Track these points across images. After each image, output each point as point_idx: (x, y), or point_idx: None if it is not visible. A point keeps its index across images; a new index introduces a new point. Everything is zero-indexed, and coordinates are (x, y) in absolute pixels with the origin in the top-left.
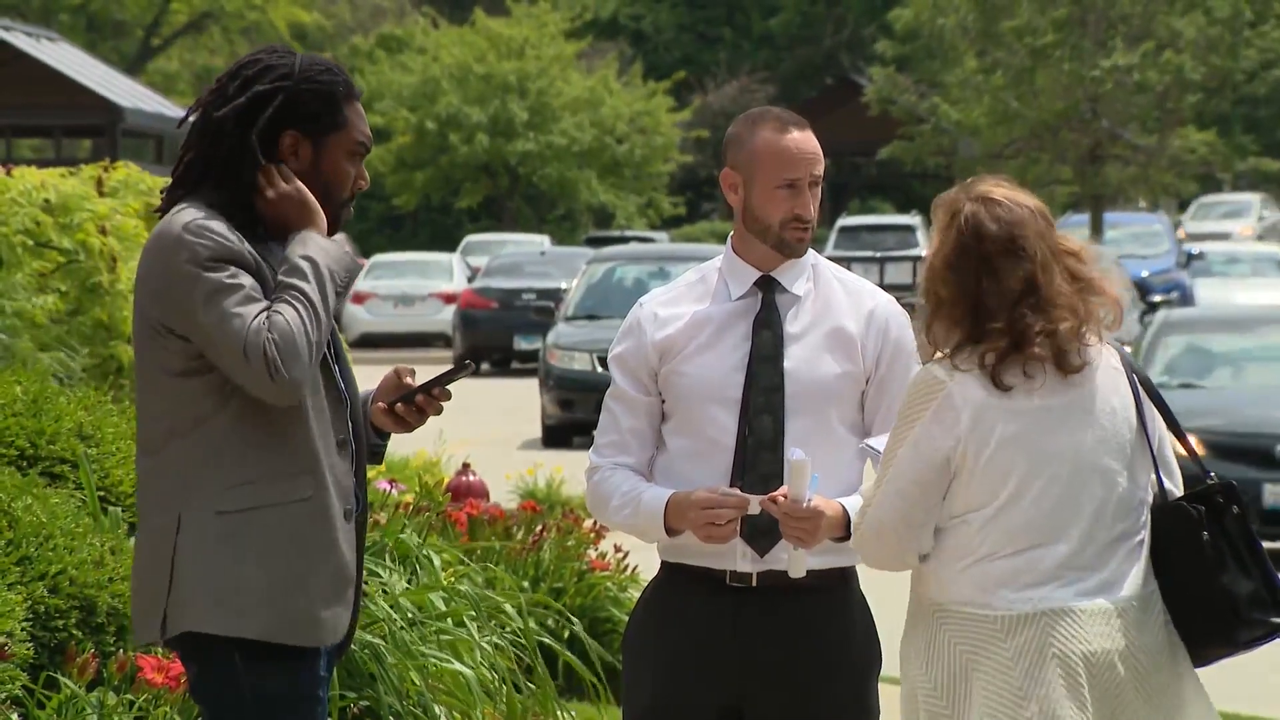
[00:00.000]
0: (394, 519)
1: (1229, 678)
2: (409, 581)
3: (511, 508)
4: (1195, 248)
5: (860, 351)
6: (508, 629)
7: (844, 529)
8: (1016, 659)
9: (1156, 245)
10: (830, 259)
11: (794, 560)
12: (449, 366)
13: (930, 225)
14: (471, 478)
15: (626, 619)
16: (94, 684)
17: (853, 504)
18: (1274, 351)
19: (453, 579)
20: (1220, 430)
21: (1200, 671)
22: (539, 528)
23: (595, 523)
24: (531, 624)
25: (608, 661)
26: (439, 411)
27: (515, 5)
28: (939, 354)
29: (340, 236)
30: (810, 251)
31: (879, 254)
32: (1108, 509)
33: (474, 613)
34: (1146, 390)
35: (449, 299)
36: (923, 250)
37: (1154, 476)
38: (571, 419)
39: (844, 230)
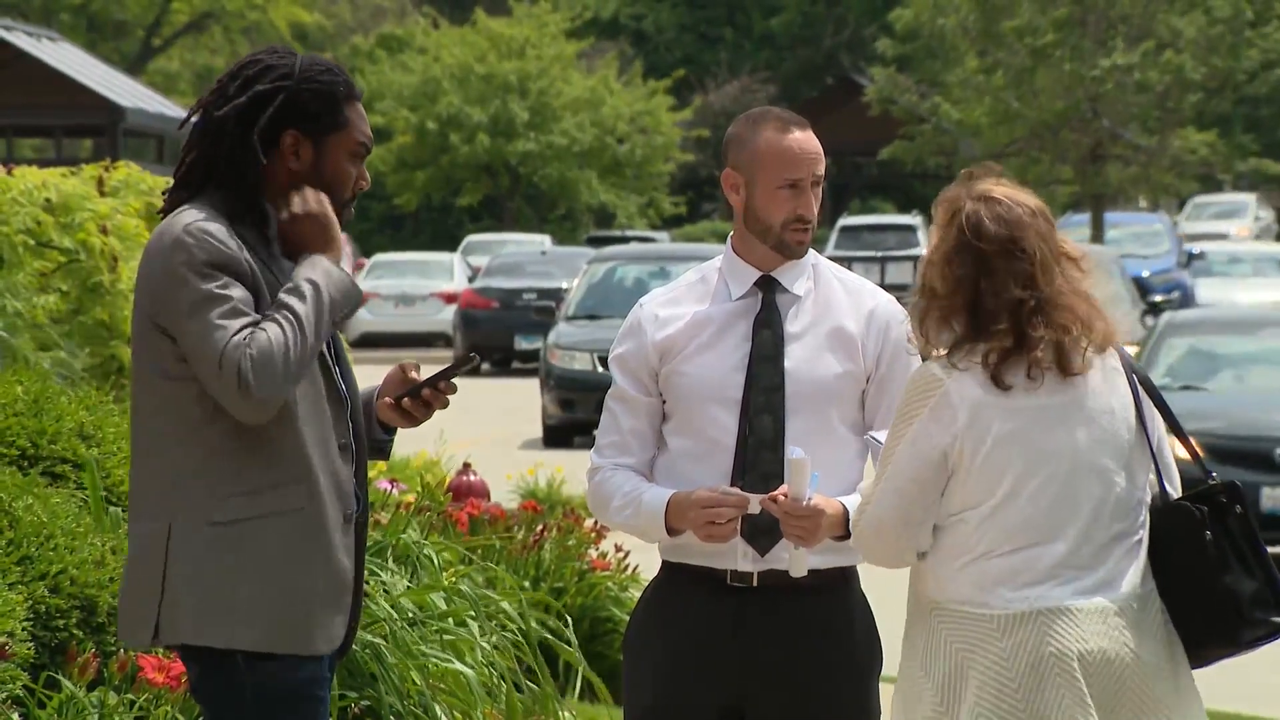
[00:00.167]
0: (395, 519)
1: (1229, 678)
2: (410, 581)
3: (512, 507)
4: (1196, 247)
5: (860, 351)
6: (508, 629)
7: (845, 527)
8: (1013, 657)
9: (1157, 245)
10: (831, 259)
11: (795, 559)
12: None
13: (931, 224)
14: (472, 477)
15: (627, 619)
16: (95, 684)
17: (853, 502)
18: (1277, 355)
19: (453, 579)
20: (1219, 433)
21: (1201, 672)
22: (540, 527)
23: (596, 522)
24: (532, 624)
25: (608, 661)
26: (445, 405)
27: (516, 5)
28: (937, 352)
29: (347, 266)
30: (810, 251)
31: (880, 254)
32: (1105, 508)
33: (475, 612)
34: (1147, 390)
35: (450, 299)
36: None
37: (1153, 477)
38: (572, 419)
39: (845, 230)
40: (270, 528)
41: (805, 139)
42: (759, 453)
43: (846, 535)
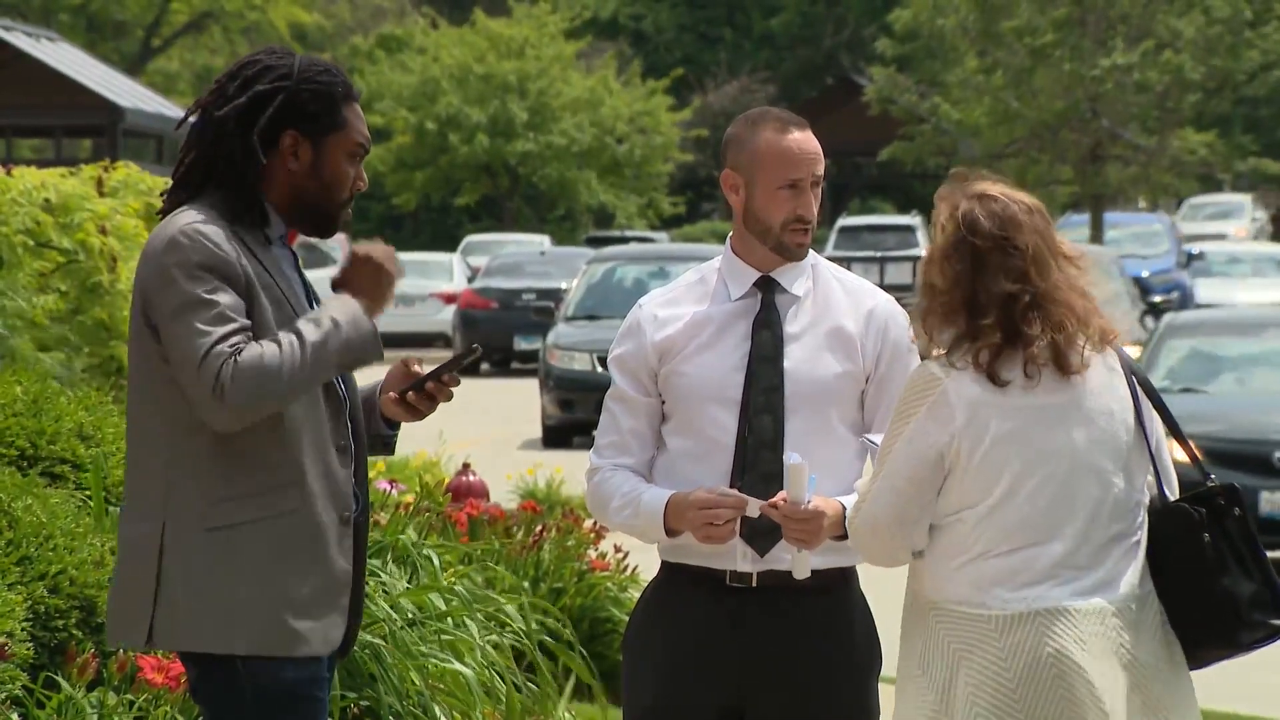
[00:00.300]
0: (394, 519)
1: (1229, 678)
2: (409, 582)
3: (511, 508)
4: (1195, 247)
5: (860, 351)
6: (508, 629)
7: (844, 528)
8: (1010, 658)
9: (1157, 245)
10: (830, 259)
11: (798, 561)
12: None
13: (931, 223)
14: (471, 478)
15: (627, 619)
16: (94, 684)
17: (851, 501)
18: (1278, 357)
19: (453, 579)
20: (1219, 436)
21: (1201, 672)
22: (539, 528)
23: (595, 523)
24: (531, 624)
25: (608, 661)
26: (449, 398)
27: (515, 5)
28: (936, 351)
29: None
30: (810, 252)
31: (879, 254)
32: (1103, 509)
33: (474, 613)
34: (1146, 392)
35: (449, 299)
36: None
37: (1152, 478)
38: (571, 419)
39: (844, 230)
40: (263, 531)
41: (804, 139)
42: (758, 453)
43: (846, 535)
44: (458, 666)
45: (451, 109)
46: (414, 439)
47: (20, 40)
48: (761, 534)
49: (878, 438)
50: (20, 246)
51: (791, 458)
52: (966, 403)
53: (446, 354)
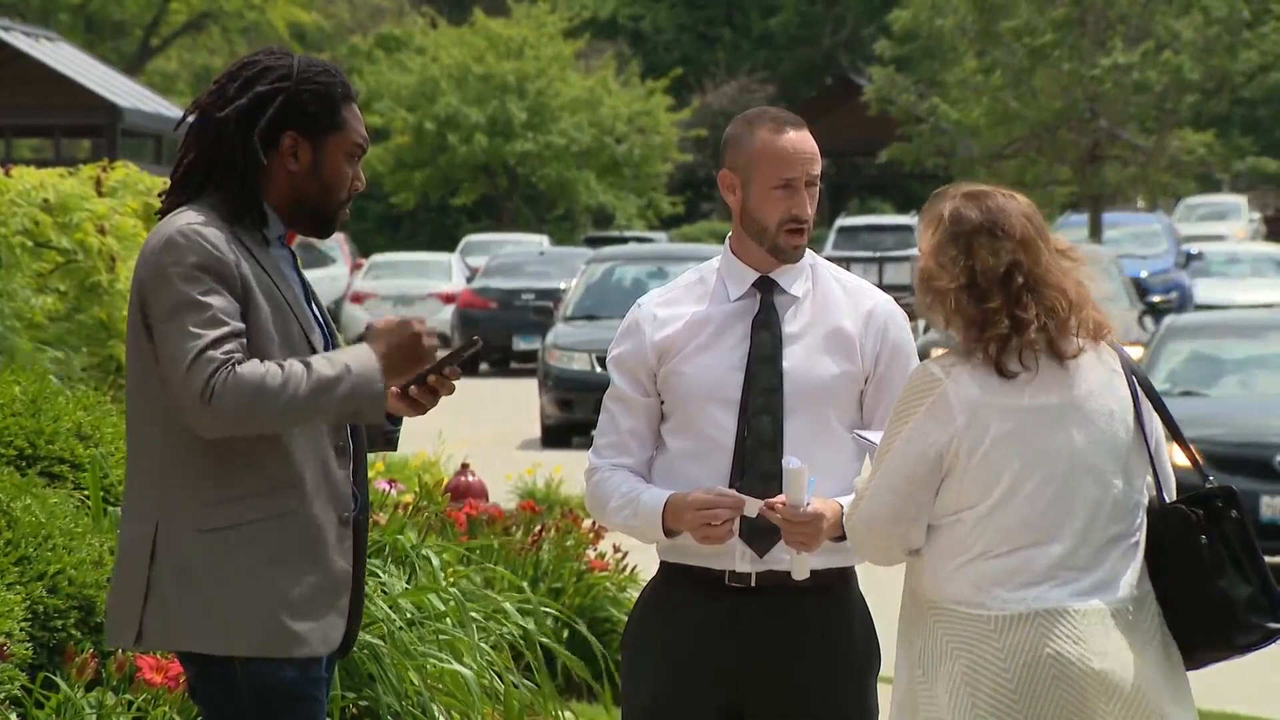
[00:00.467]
0: (393, 519)
1: (1229, 678)
2: (408, 582)
3: (510, 508)
4: (1194, 248)
5: (859, 351)
6: (506, 629)
7: (843, 528)
8: (1009, 658)
9: (1155, 245)
10: (829, 259)
11: (798, 562)
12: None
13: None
14: (470, 478)
15: (625, 619)
16: (93, 684)
17: (850, 502)
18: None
19: (452, 579)
20: (1219, 440)
21: (1201, 671)
22: (538, 528)
23: (594, 523)
24: (530, 624)
25: (607, 661)
26: (451, 391)
27: (514, 5)
28: (938, 351)
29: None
30: (809, 252)
31: (878, 254)
32: (1103, 510)
33: (473, 613)
34: (1146, 393)
35: (448, 299)
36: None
37: (1151, 479)
38: (570, 419)
39: (843, 230)
40: (259, 533)
41: (800, 139)
42: (757, 453)
43: (845, 536)
44: (457, 667)
45: (450, 109)
46: (413, 439)
47: (19, 40)
48: (761, 534)
49: (869, 433)
50: (19, 247)
51: (790, 462)
52: (966, 404)
53: (445, 353)
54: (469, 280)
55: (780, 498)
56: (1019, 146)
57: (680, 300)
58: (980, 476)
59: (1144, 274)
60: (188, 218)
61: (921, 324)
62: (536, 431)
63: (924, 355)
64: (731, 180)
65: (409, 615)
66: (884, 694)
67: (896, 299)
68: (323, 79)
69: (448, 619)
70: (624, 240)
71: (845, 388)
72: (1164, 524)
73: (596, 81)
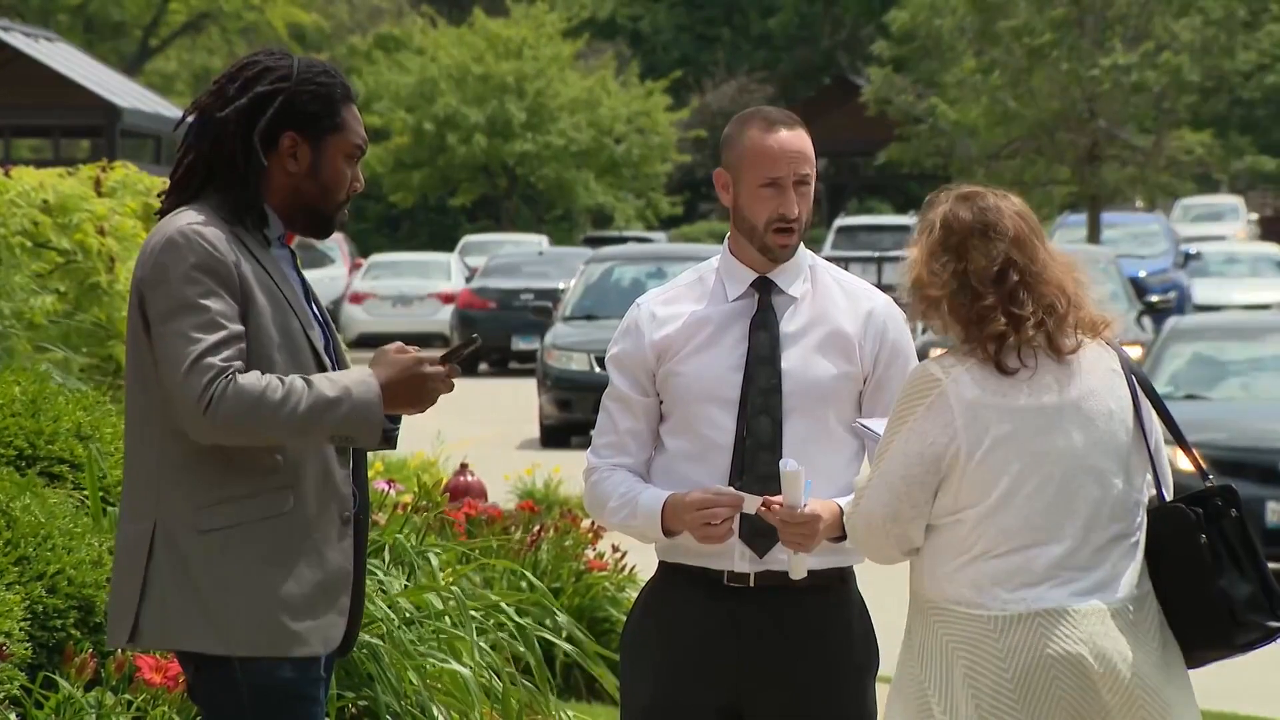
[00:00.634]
0: (392, 519)
1: (1229, 678)
2: (407, 581)
3: (509, 508)
4: (1193, 248)
5: (858, 352)
6: (505, 629)
7: (842, 528)
8: (1010, 658)
9: (1154, 245)
10: (828, 259)
11: (795, 562)
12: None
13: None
14: (469, 478)
15: (624, 619)
16: (92, 684)
17: (849, 502)
18: None
19: (451, 579)
20: (1222, 444)
21: (1201, 671)
22: (537, 528)
23: (593, 523)
24: (529, 624)
25: (605, 661)
26: (450, 388)
27: (514, 5)
28: (937, 351)
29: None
30: (808, 252)
31: (876, 254)
32: (1103, 510)
33: (472, 612)
34: (1146, 393)
35: (447, 299)
36: None
37: (1151, 478)
38: (569, 419)
39: (841, 230)
40: (258, 533)
41: (789, 138)
42: (756, 454)
43: (844, 536)
44: (456, 666)
45: (449, 109)
46: (412, 439)
47: (18, 40)
48: (760, 534)
49: (871, 422)
50: (18, 247)
51: (787, 464)
52: (966, 404)
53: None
54: (468, 280)
55: (777, 498)
56: (1017, 147)
57: (679, 300)
58: (980, 477)
59: (1142, 274)
60: (187, 218)
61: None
62: (535, 431)
63: (923, 355)
64: (725, 179)
65: (408, 615)
66: (884, 694)
67: (895, 299)
68: (322, 80)
69: (446, 618)
70: (623, 240)
71: (844, 388)
72: (1164, 523)
73: (595, 82)
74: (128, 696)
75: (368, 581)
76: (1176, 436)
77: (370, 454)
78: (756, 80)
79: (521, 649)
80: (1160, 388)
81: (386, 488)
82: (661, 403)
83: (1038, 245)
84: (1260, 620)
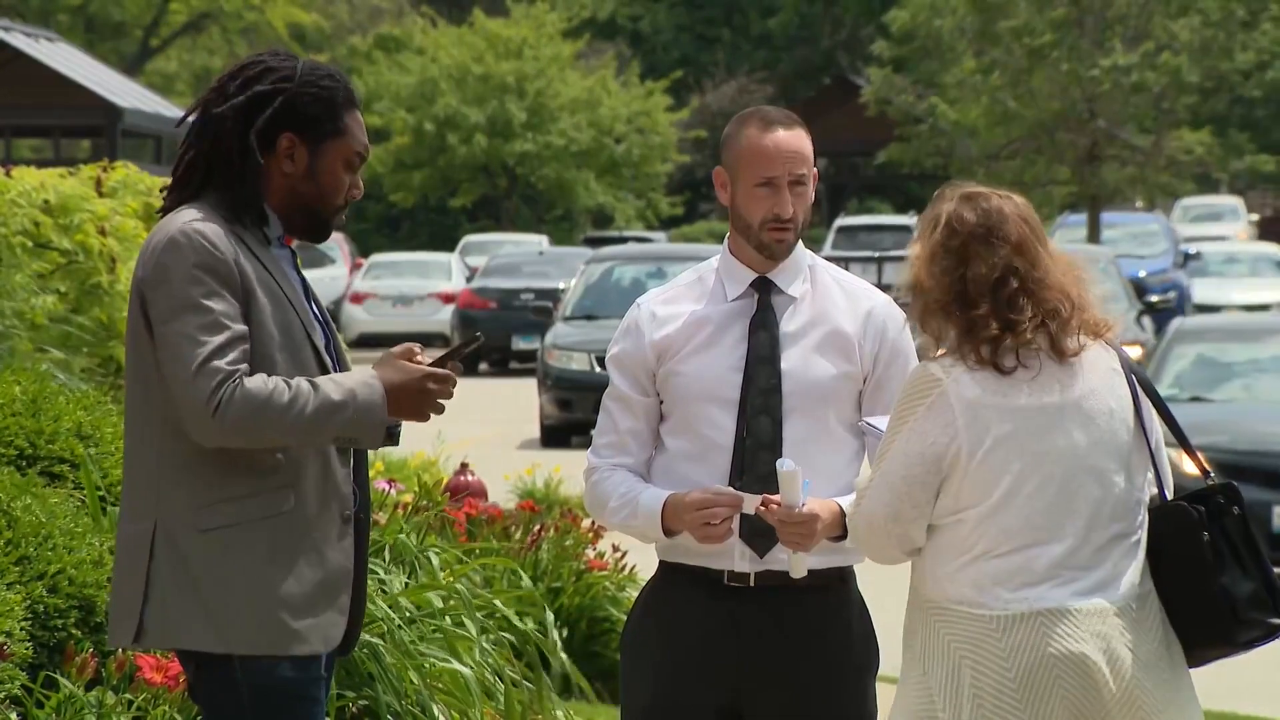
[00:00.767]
0: (393, 519)
1: (1229, 677)
2: (408, 580)
3: (510, 507)
4: (1193, 247)
5: (858, 352)
6: (506, 628)
7: (841, 528)
8: (1012, 658)
9: (1154, 245)
10: (828, 259)
11: (795, 561)
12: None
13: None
14: (470, 477)
15: (624, 618)
16: (93, 683)
17: (849, 502)
18: None
19: (451, 578)
20: (1227, 448)
21: (1200, 671)
22: (537, 527)
23: (593, 522)
24: (529, 623)
25: (605, 661)
26: (450, 396)
27: (514, 5)
28: (938, 351)
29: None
30: (807, 252)
31: (877, 254)
32: (1104, 509)
33: (472, 612)
34: (1146, 392)
35: (448, 299)
36: None
37: (1152, 476)
38: (570, 419)
39: (842, 230)
40: (258, 532)
41: (785, 138)
42: (756, 454)
43: (843, 535)
44: (456, 665)
45: (450, 109)
46: (412, 439)
47: (19, 40)
48: (761, 534)
49: (877, 420)
50: (19, 247)
51: (784, 464)
52: (966, 404)
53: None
54: (468, 280)
55: (776, 498)
56: (1017, 147)
57: (679, 300)
58: (981, 477)
59: (1142, 274)
60: (188, 216)
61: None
62: (536, 431)
63: (923, 355)
64: (723, 178)
65: (408, 614)
66: (884, 693)
67: (895, 299)
68: (326, 83)
69: (447, 618)
70: (623, 240)
71: (844, 388)
72: (1165, 521)
73: (596, 82)
74: (128, 696)
75: (368, 581)
76: (1178, 437)
77: (371, 452)
78: (756, 80)
79: (522, 648)
80: (1165, 389)
81: (387, 487)
82: (662, 402)
83: (1040, 251)
84: (1262, 618)
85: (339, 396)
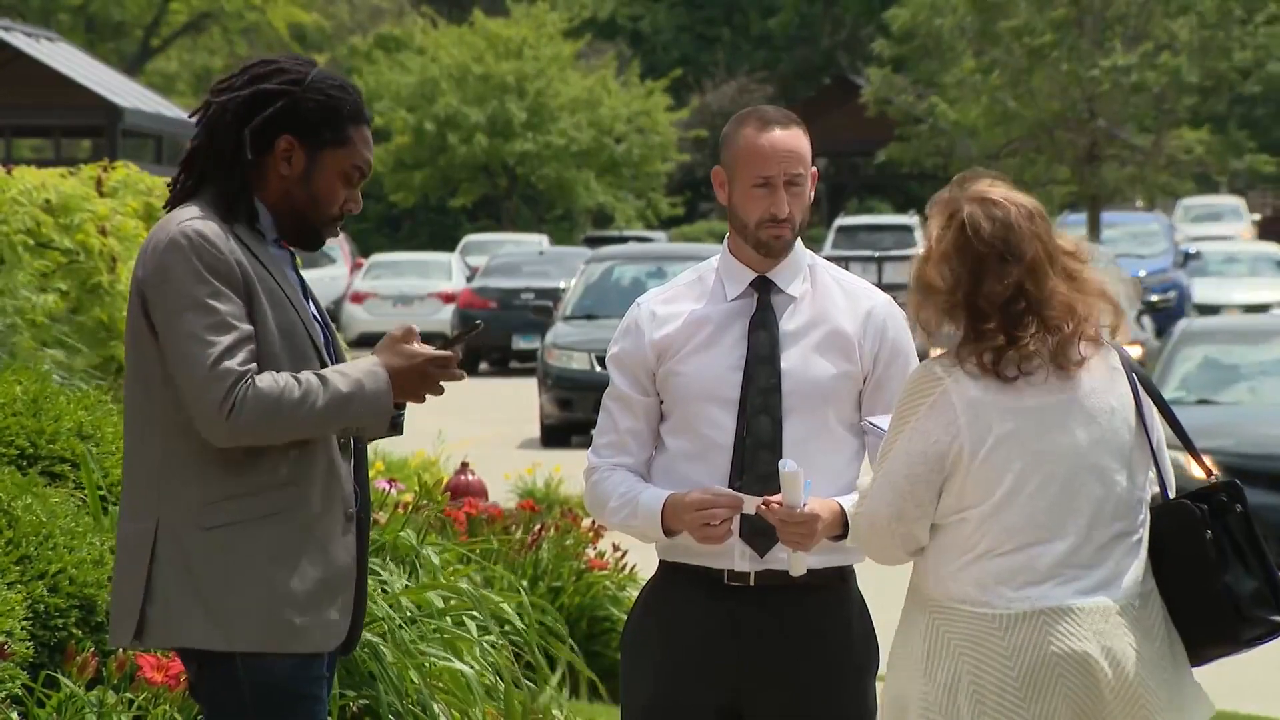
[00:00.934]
0: (393, 518)
1: (1230, 677)
2: (408, 580)
3: (510, 507)
4: (1193, 247)
5: (857, 351)
6: (506, 628)
7: (842, 528)
8: (1015, 657)
9: (1154, 245)
10: (828, 258)
11: (795, 559)
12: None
13: (925, 223)
14: (470, 477)
15: (625, 618)
16: (93, 683)
17: (850, 502)
18: None
19: (451, 578)
20: (1234, 451)
21: (1203, 669)
22: (537, 527)
23: (593, 522)
24: (530, 623)
25: (606, 660)
26: (457, 378)
27: (514, 5)
28: (934, 351)
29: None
30: (807, 252)
31: (877, 253)
32: (1106, 507)
33: (473, 612)
34: (1147, 390)
35: (448, 298)
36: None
37: (1154, 475)
38: (570, 418)
39: (842, 230)
40: (261, 530)
41: (782, 138)
42: (756, 453)
43: (843, 535)
44: (457, 665)
45: (450, 109)
46: (413, 439)
47: (19, 40)
48: (761, 533)
49: (879, 419)
50: (20, 246)
51: (786, 465)
52: (968, 403)
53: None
54: (469, 280)
55: (777, 497)
56: (1017, 147)
57: (679, 299)
58: (984, 476)
59: (1142, 273)
60: (187, 215)
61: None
62: (536, 431)
63: (923, 355)
64: (721, 177)
65: (409, 614)
66: (883, 693)
67: (895, 299)
68: (334, 92)
69: (447, 617)
70: (623, 240)
71: (844, 388)
72: (1168, 519)
73: (596, 81)
74: (129, 695)
75: (369, 580)
76: (1181, 437)
77: (371, 453)
78: (756, 80)
79: (523, 648)
80: (1172, 392)
81: (388, 487)
82: (662, 402)
83: (1048, 271)
84: (1265, 616)
85: (347, 388)
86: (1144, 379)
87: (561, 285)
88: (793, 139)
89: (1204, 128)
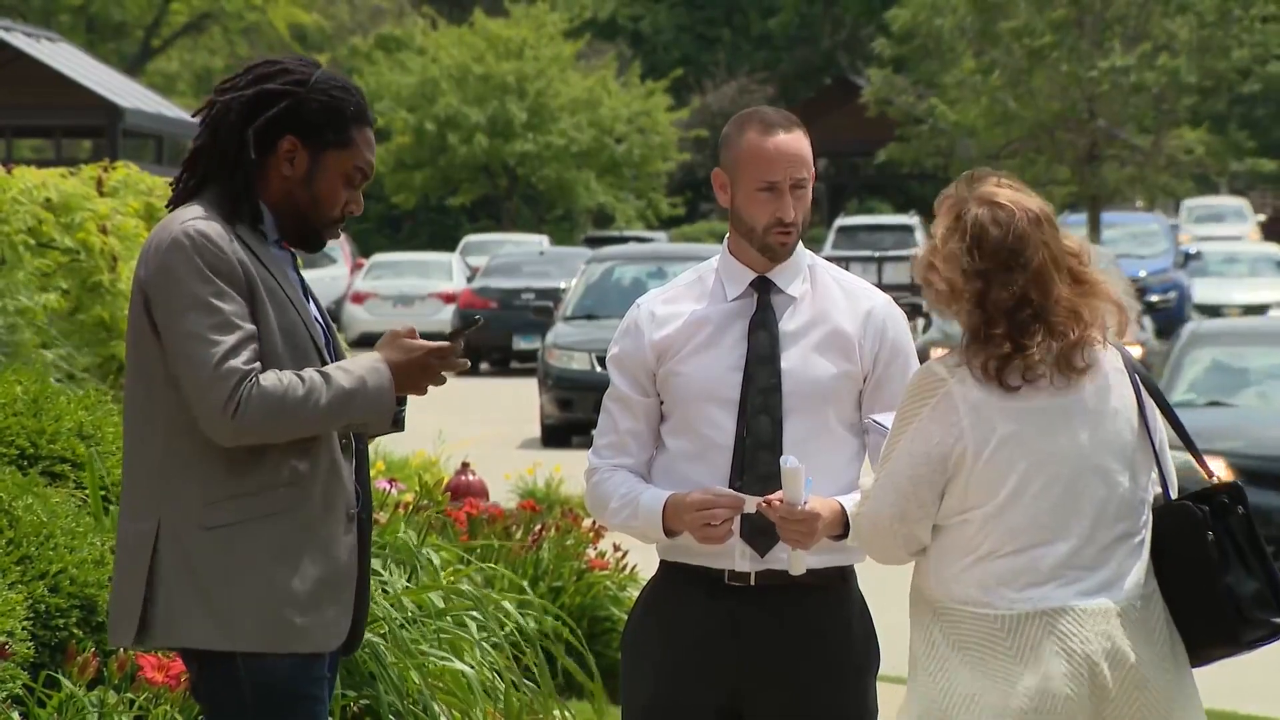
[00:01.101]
0: (393, 518)
1: (1230, 677)
2: (409, 580)
3: (511, 507)
4: (1193, 247)
5: (857, 351)
6: (507, 628)
7: (842, 527)
8: (1017, 657)
9: (1154, 245)
10: (828, 259)
11: (794, 558)
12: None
13: (931, 222)
14: (471, 477)
15: (625, 618)
16: (94, 683)
17: (851, 501)
18: None
19: (452, 578)
20: (1243, 453)
21: (1203, 670)
22: (538, 527)
23: (594, 522)
24: (530, 623)
25: (606, 660)
26: (459, 369)
27: (514, 6)
28: (939, 351)
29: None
30: (807, 252)
31: (877, 254)
32: (1109, 509)
33: (474, 612)
34: (1150, 391)
35: (448, 299)
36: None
37: (1156, 475)
38: (570, 418)
39: (842, 230)
40: (263, 529)
41: (786, 141)
42: (756, 453)
43: (844, 534)
44: (457, 665)
45: (450, 109)
46: (413, 439)
47: (20, 40)
48: (761, 533)
49: (883, 418)
50: (21, 245)
51: (788, 461)
52: (971, 405)
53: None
54: (469, 280)
55: (777, 495)
56: (1017, 147)
57: (679, 300)
58: (987, 477)
59: (1142, 273)
60: (189, 215)
61: (920, 323)
62: (536, 431)
63: (924, 355)
64: (723, 180)
65: (410, 614)
66: (884, 693)
67: (896, 299)
68: (337, 94)
69: (448, 617)
70: (623, 240)
71: (844, 388)
72: (1170, 520)
73: (596, 82)
74: (130, 695)
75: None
76: (1183, 438)
77: (372, 453)
78: (757, 80)
79: (523, 648)
80: (1180, 395)
81: (388, 487)
82: (662, 403)
83: (1054, 278)
84: (1266, 617)
85: (350, 385)
86: (1146, 380)
87: (562, 285)
88: (796, 142)
89: (1204, 127)
